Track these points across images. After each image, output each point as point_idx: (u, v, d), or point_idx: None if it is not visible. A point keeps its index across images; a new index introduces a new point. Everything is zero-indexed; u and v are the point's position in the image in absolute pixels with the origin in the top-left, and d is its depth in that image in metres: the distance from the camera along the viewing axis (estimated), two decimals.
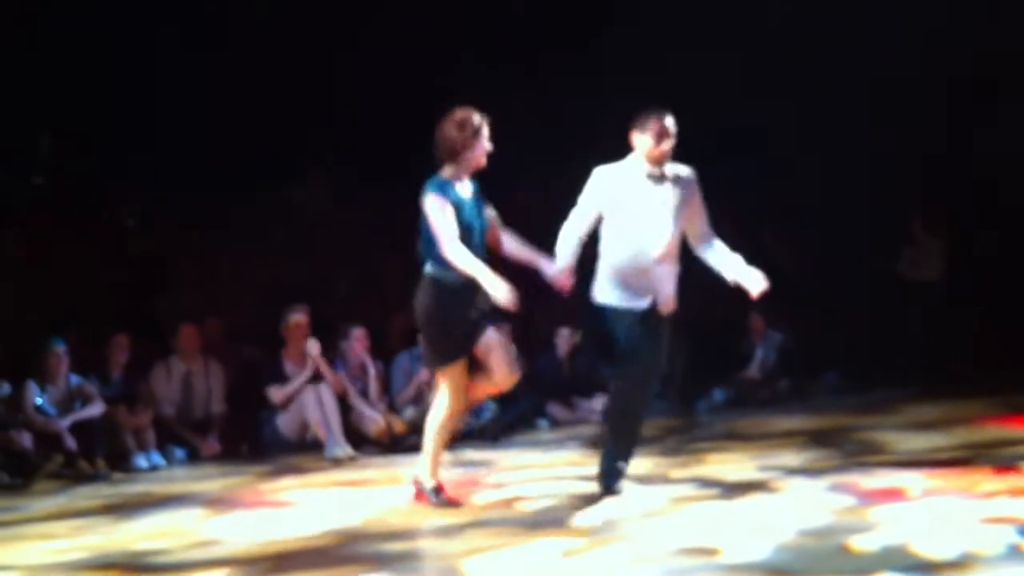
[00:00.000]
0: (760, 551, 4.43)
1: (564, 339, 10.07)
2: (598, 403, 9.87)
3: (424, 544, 4.94)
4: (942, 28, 10.86)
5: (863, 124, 11.47)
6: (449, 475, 7.04)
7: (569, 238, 5.71)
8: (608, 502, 5.58)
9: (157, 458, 8.14)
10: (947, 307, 11.42)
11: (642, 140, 5.62)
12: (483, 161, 5.57)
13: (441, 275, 5.48)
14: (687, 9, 10.89)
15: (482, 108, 5.59)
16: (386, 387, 9.07)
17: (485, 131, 5.54)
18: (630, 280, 5.61)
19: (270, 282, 10.08)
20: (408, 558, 4.68)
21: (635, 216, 5.58)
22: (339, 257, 10.99)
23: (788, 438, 7.83)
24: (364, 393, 8.76)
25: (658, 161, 5.61)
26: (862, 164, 11.69)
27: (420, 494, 5.76)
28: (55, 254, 9.85)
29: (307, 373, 8.45)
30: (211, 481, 7.34)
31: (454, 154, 5.50)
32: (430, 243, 5.49)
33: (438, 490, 5.71)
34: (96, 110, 10.13)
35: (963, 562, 4.11)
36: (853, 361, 11.16)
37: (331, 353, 8.78)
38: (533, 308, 10.73)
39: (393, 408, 8.90)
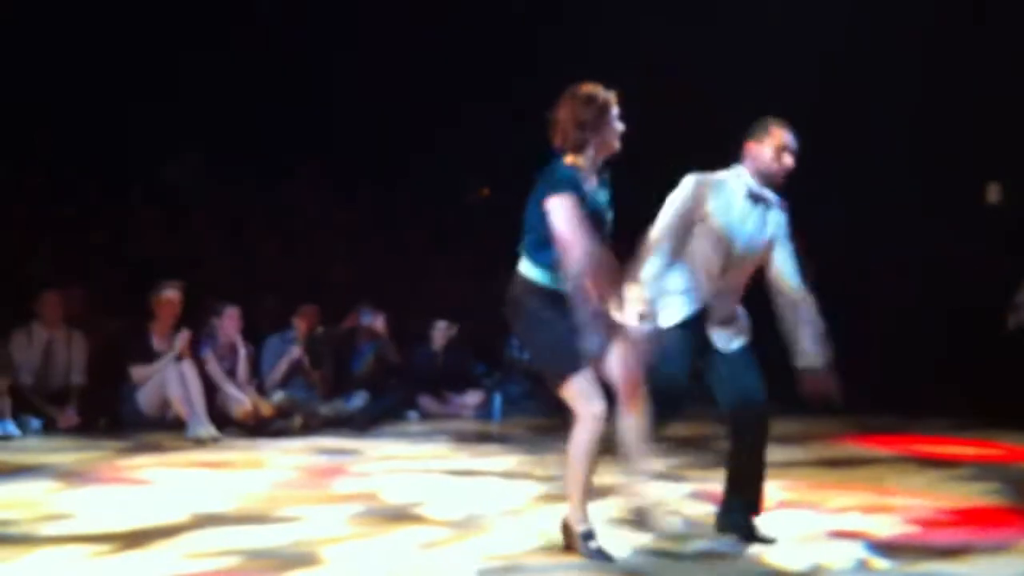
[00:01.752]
0: (617, 553, 4.48)
1: (440, 332, 10.08)
2: (470, 398, 9.91)
3: (282, 530, 4.87)
4: None
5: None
6: (312, 462, 6.99)
7: None
8: (470, 497, 5.58)
9: (11, 427, 7.87)
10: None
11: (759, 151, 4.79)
12: (616, 146, 4.47)
13: (548, 281, 4.39)
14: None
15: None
16: (256, 369, 8.94)
17: (615, 109, 4.46)
18: None
19: (140, 257, 9.88)
20: (266, 543, 4.62)
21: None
22: (214, 235, 10.83)
23: (654, 443, 7.93)
24: (232, 373, 8.61)
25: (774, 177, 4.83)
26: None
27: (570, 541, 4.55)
28: None
29: (171, 355, 8.28)
30: (66, 454, 7.13)
31: (580, 139, 4.40)
32: (542, 246, 4.36)
33: (589, 536, 4.47)
34: None
35: (813, 574, 4.22)
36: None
37: (201, 330, 8.61)
38: (408, 299, 10.82)
39: (262, 391, 8.77)
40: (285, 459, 7.08)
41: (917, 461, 7.23)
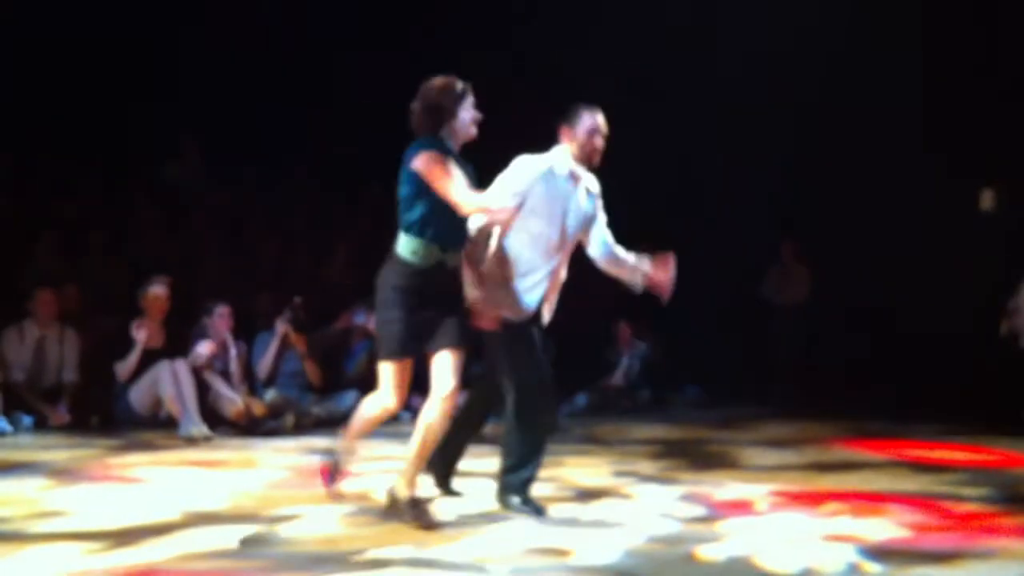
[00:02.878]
0: (610, 555, 4.48)
1: None
2: (462, 399, 9.86)
3: (274, 529, 4.87)
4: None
5: (732, 145, 11.76)
6: (305, 462, 6.98)
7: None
8: (463, 498, 5.58)
9: (3, 424, 7.85)
10: (810, 331, 11.77)
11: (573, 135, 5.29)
12: (473, 131, 4.96)
13: (411, 254, 4.84)
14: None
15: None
16: (248, 369, 8.93)
17: (470, 97, 4.95)
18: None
19: (139, 256, 9.87)
20: (257, 542, 4.61)
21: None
22: (211, 235, 10.82)
23: (645, 446, 7.96)
24: (224, 373, 8.59)
25: (588, 160, 5.33)
26: (733, 185, 11.97)
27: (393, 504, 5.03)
28: None
29: (139, 348, 8.26)
30: (58, 451, 7.12)
31: (436, 124, 4.87)
32: (411, 207, 4.82)
33: (415, 503, 4.95)
34: None
35: None
36: (714, 377, 11.41)
37: (193, 328, 8.60)
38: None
39: (254, 390, 8.75)
40: (277, 458, 7.07)
41: (909, 465, 7.23)
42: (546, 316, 5.35)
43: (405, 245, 4.86)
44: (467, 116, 4.91)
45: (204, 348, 8.38)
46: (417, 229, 4.83)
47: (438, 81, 4.91)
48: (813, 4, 11.36)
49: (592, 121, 5.28)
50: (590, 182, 5.40)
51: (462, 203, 4.72)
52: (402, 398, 4.98)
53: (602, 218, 5.49)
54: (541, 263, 5.22)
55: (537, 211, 5.16)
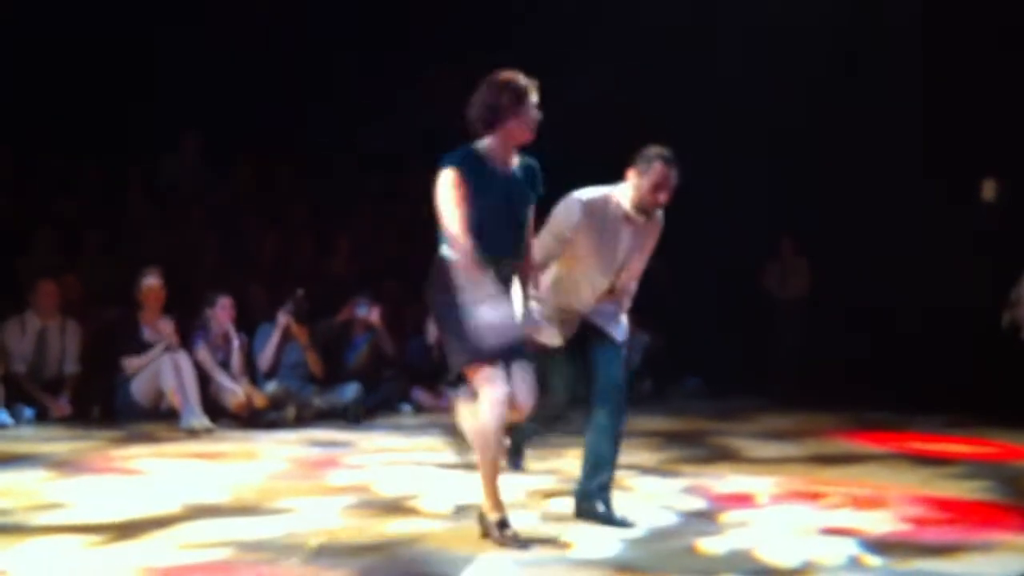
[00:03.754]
0: (610, 547, 4.49)
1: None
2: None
3: (275, 521, 4.87)
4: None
5: (731, 142, 11.75)
6: (306, 454, 6.99)
7: None
8: (463, 491, 5.58)
9: (4, 416, 7.86)
10: (811, 324, 11.78)
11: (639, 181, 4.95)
12: (528, 135, 4.54)
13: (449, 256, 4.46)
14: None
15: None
16: (250, 361, 8.92)
17: (533, 97, 4.54)
18: None
19: (138, 247, 9.86)
20: (258, 535, 4.61)
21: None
22: (209, 228, 10.82)
23: (646, 438, 7.95)
24: (225, 364, 8.59)
25: (644, 210, 5.00)
26: (732, 179, 11.95)
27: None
28: None
29: (161, 347, 8.26)
30: (59, 443, 7.12)
31: (489, 124, 4.49)
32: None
33: (502, 524, 4.52)
34: None
35: (805, 570, 4.23)
36: (716, 369, 11.41)
37: (195, 321, 8.60)
38: (405, 291, 10.80)
39: (255, 381, 8.75)
40: (278, 450, 7.08)
41: (910, 458, 7.24)
42: (616, 334, 5.05)
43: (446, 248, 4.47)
44: (524, 118, 4.50)
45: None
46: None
47: (499, 77, 4.53)
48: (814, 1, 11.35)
49: (660, 175, 4.91)
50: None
51: (449, 233, 4.39)
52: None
53: None
54: (587, 301, 4.98)
55: (582, 255, 4.92)
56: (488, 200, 4.42)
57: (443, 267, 4.44)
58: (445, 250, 4.45)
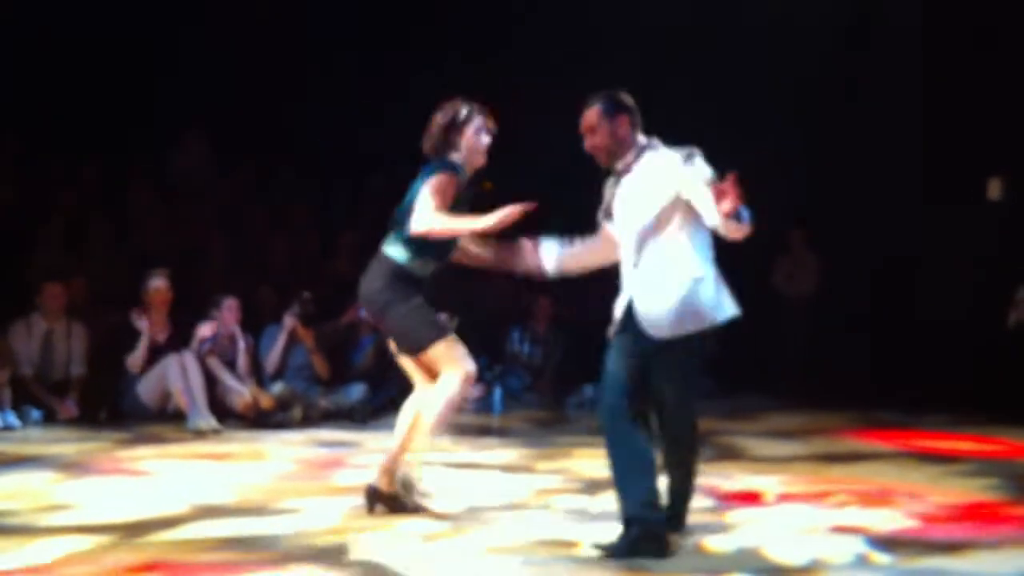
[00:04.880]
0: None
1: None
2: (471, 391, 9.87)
3: (282, 522, 4.87)
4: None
5: (739, 137, 11.73)
6: (312, 454, 7.00)
7: None
8: (471, 490, 5.58)
9: (11, 418, 7.86)
10: (819, 322, 11.74)
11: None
12: (480, 160, 4.99)
13: (407, 261, 4.90)
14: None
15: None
16: (256, 362, 8.93)
17: (477, 121, 4.95)
18: None
19: (143, 248, 9.87)
20: (265, 535, 4.62)
21: None
22: (215, 226, 10.83)
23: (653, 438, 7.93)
24: (232, 365, 8.60)
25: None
26: (741, 174, 11.92)
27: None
28: None
29: (145, 338, 8.28)
30: (66, 445, 7.13)
31: (445, 148, 4.92)
32: (403, 223, 4.89)
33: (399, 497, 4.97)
34: None
35: (812, 569, 4.22)
36: (722, 368, 11.37)
37: (200, 322, 8.59)
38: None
39: (262, 382, 8.76)
40: (285, 451, 7.08)
41: (917, 456, 7.22)
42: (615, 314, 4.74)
43: (400, 253, 4.91)
44: (476, 141, 4.94)
45: (205, 330, 8.38)
46: (418, 244, 4.86)
47: (444, 107, 4.94)
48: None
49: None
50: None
51: (425, 217, 4.75)
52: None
53: None
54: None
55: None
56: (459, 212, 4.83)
57: (392, 267, 4.89)
58: (394, 252, 4.89)
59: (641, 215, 4.50)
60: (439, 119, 4.92)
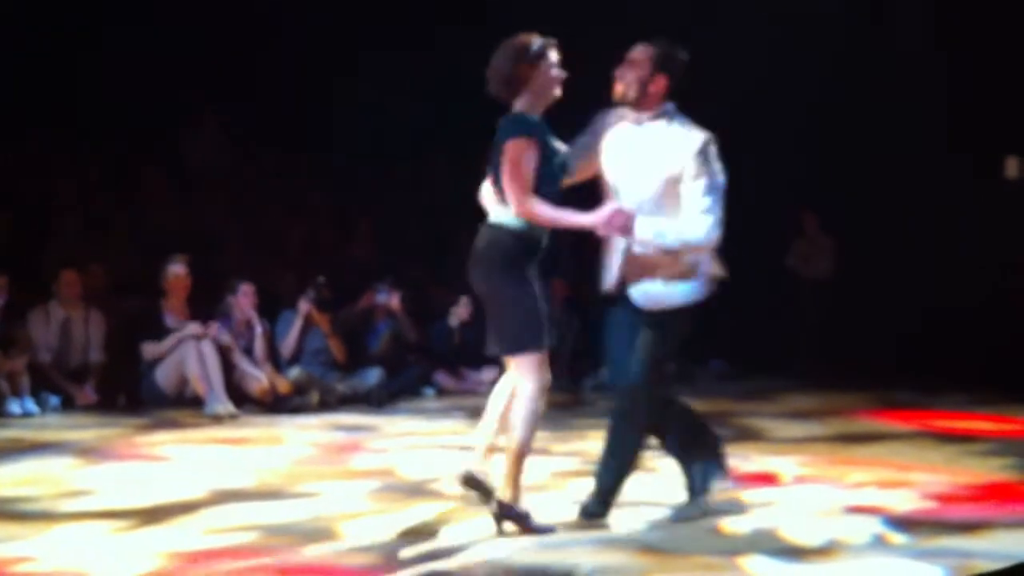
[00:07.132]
0: (634, 528, 4.49)
1: (463, 307, 9.99)
2: (486, 375, 9.89)
3: (300, 506, 4.89)
4: None
5: (755, 119, 11.68)
6: (330, 439, 7.02)
7: None
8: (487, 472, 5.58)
9: (31, 404, 7.91)
10: (836, 303, 11.71)
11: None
12: (556, 92, 4.46)
13: (522, 227, 4.36)
14: None
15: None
16: (272, 347, 8.95)
17: (551, 56, 4.45)
18: None
19: (160, 234, 9.90)
20: (283, 519, 4.64)
21: None
22: (232, 211, 10.85)
23: None
24: (248, 351, 8.62)
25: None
26: (756, 156, 11.88)
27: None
28: None
29: (178, 335, 8.28)
30: (85, 431, 7.17)
31: (514, 89, 4.41)
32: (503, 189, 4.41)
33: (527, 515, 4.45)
34: None
35: (830, 549, 4.22)
36: (739, 350, 11.37)
37: (217, 307, 8.63)
38: (428, 276, 10.81)
39: (278, 367, 8.78)
40: (302, 435, 7.11)
41: (935, 436, 7.21)
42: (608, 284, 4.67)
43: (511, 217, 4.37)
44: (547, 77, 4.43)
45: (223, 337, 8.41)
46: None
47: (513, 43, 4.44)
48: None
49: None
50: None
51: (519, 204, 4.30)
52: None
53: None
54: None
55: None
56: (553, 169, 4.39)
57: (506, 240, 4.37)
58: (510, 220, 4.36)
59: (640, 184, 4.47)
60: (507, 54, 4.42)
